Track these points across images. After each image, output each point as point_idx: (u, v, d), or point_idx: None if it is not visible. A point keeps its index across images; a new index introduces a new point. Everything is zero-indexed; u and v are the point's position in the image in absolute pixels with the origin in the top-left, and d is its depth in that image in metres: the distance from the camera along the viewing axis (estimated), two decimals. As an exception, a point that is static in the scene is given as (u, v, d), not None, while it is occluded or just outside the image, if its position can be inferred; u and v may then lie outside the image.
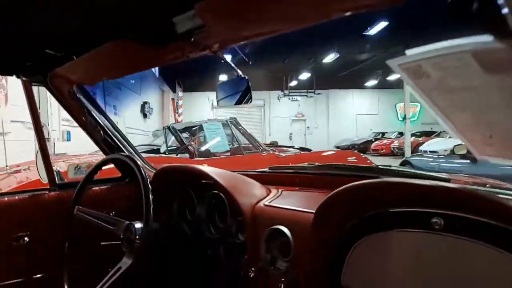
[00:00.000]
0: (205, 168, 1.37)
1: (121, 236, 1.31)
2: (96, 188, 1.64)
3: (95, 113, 1.54)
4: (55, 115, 6.49)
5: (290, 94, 20.58)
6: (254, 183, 1.42)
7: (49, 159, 1.53)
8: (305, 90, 20.07)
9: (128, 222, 1.29)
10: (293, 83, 19.89)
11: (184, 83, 18.51)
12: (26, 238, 1.45)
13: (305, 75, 18.59)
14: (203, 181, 1.52)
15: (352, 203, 0.95)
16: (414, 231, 0.87)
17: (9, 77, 3.25)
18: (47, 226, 1.50)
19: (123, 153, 1.56)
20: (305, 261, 1.08)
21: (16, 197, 1.46)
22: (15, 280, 1.43)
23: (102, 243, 1.50)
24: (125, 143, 1.68)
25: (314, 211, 1.05)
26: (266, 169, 1.66)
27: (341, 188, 0.93)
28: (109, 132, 1.59)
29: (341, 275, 1.00)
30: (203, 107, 20.95)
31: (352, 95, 22.89)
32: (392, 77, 19.66)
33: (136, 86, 10.76)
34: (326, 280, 1.04)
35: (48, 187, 1.53)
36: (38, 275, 1.48)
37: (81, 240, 1.54)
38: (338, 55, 14.38)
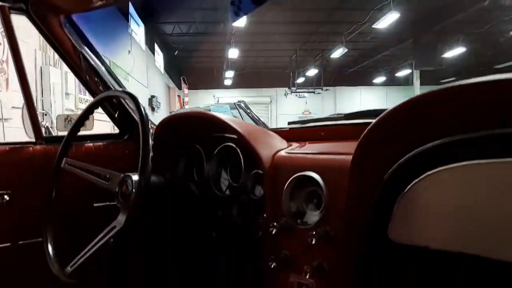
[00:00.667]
0: (218, 114, 1.15)
1: (116, 191, 1.09)
2: (90, 144, 1.42)
3: (85, 51, 1.33)
4: (59, 103, 6.32)
5: (297, 90, 20.29)
6: (273, 134, 1.20)
7: (35, 111, 1.32)
8: (313, 87, 19.77)
9: (124, 174, 1.08)
10: (300, 79, 19.62)
11: (189, 81, 18.37)
12: (6, 197, 1.24)
13: (312, 72, 18.33)
14: (214, 134, 1.30)
15: (414, 123, 0.73)
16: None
17: (10, 63, 3.04)
18: (31, 184, 1.28)
19: (120, 90, 1.33)
20: (340, 211, 0.86)
21: (-5, 149, 1.25)
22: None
23: (95, 204, 1.29)
24: (119, 87, 1.48)
25: (351, 153, 0.84)
26: (285, 126, 1.44)
27: (402, 102, 0.71)
28: (102, 74, 1.38)
29: (389, 226, 0.78)
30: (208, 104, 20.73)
31: (359, 91, 22.55)
32: (401, 74, 19.35)
33: (143, 79, 10.58)
34: (369, 233, 0.82)
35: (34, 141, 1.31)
36: (21, 241, 1.27)
37: (71, 200, 1.33)
38: (346, 50, 14.09)
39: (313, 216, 0.94)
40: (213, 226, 1.25)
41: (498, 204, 0.64)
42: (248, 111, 4.32)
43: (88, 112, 1.19)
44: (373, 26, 11.76)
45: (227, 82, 19.49)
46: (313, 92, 19.99)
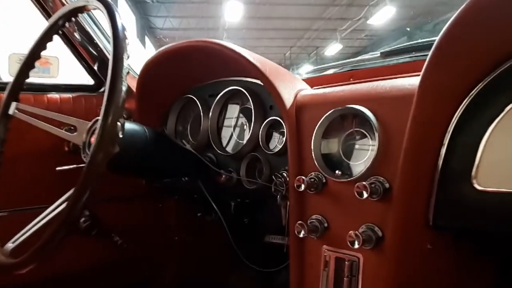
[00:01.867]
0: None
1: (84, 143, 0.81)
2: (55, 95, 1.12)
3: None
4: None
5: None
6: (294, 75, 0.93)
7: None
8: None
9: (95, 119, 0.79)
10: (294, 78, 19.42)
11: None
12: None
13: (306, 69, 18.14)
14: (212, 80, 1.03)
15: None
16: None
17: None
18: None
19: None
20: (398, 155, 0.60)
21: None
22: None
23: (58, 168, 1.00)
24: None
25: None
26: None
27: None
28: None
29: (473, 169, 0.52)
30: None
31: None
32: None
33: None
34: (445, 181, 0.56)
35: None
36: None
37: (27, 163, 1.05)
38: (341, 46, 13.89)
39: (357, 165, 0.67)
40: (217, 194, 0.98)
41: None
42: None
43: (42, 41, 0.89)
44: (368, 22, 11.59)
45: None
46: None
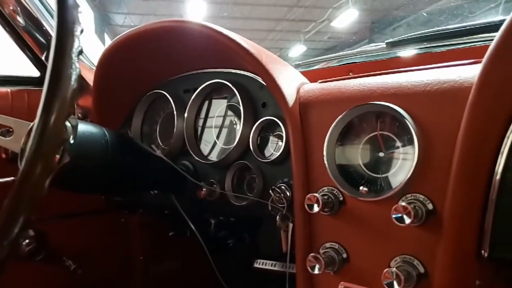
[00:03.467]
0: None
1: (22, 149, 0.62)
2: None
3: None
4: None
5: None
6: (290, 67, 0.76)
7: None
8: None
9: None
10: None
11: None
12: None
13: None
14: (186, 72, 0.86)
15: None
16: None
17: None
18: None
19: None
20: (446, 167, 0.45)
21: None
22: None
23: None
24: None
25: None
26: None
27: None
28: None
29: None
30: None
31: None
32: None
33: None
34: (501, 203, 0.43)
35: None
36: None
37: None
38: (305, 48, 13.93)
39: (389, 179, 0.52)
40: (194, 210, 0.80)
41: None
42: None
43: None
44: (331, 25, 11.70)
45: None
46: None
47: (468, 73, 0.48)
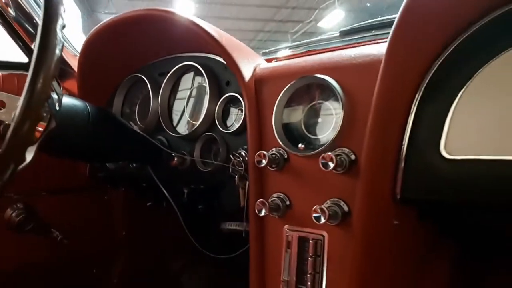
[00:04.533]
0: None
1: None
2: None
3: None
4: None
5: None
6: (250, 49, 0.87)
7: None
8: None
9: None
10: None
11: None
12: None
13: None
14: (162, 57, 0.96)
15: None
16: None
17: None
18: None
19: None
20: (364, 126, 0.56)
21: None
22: None
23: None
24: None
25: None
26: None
27: None
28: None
29: (441, 136, 0.50)
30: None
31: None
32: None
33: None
34: (414, 149, 0.53)
35: None
36: None
37: None
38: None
39: (321, 138, 0.63)
40: (169, 180, 0.90)
41: None
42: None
43: None
44: (318, 25, 11.83)
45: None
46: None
47: (384, 48, 0.59)
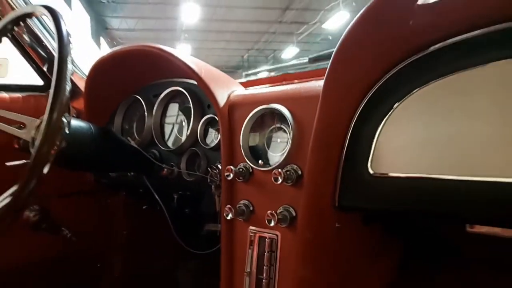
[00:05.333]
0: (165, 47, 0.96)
1: (32, 139, 0.88)
2: (3, 95, 1.17)
3: None
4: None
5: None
6: (229, 77, 1.03)
7: None
8: (264, 88, 19.77)
9: (42, 117, 0.85)
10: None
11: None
12: None
13: (265, 73, 18.33)
14: (156, 81, 1.12)
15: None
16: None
17: None
18: None
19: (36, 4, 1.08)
20: (308, 147, 0.71)
21: None
22: None
23: (8, 163, 1.05)
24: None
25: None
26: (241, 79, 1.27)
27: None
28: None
29: (369, 157, 0.64)
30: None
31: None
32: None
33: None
34: (347, 166, 0.68)
35: None
36: None
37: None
38: (298, 50, 14.22)
39: (276, 156, 0.78)
40: (160, 188, 1.06)
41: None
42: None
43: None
44: (322, 27, 11.95)
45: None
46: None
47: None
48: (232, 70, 18.57)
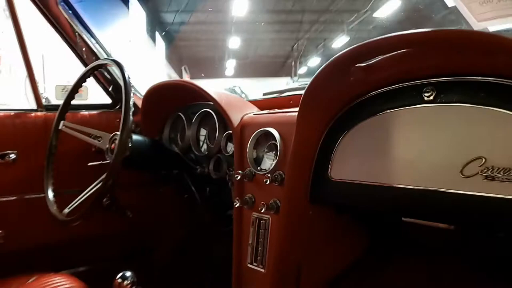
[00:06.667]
0: (197, 82, 1.33)
1: (106, 148, 1.28)
2: (85, 112, 1.60)
3: (80, 28, 1.52)
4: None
5: (300, 80, 20.33)
6: (246, 101, 1.37)
7: (35, 82, 1.50)
8: (315, 77, 19.71)
9: (114, 133, 1.26)
10: (303, 69, 19.65)
11: (191, 71, 18.38)
12: (13, 156, 1.42)
13: (315, 61, 18.35)
14: (194, 102, 1.48)
15: (342, 77, 0.90)
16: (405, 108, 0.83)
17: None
18: (34, 146, 1.47)
19: (109, 57, 1.51)
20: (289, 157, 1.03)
21: (1, 114, 1.43)
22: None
23: (90, 163, 1.47)
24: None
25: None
26: (259, 96, 1.61)
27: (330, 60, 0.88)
28: (95, 50, 1.56)
29: (329, 167, 0.96)
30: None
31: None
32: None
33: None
34: (314, 173, 1.00)
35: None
36: (26, 195, 1.47)
37: (69, 161, 1.51)
38: (349, 38, 14.12)
39: (269, 164, 1.12)
40: (194, 182, 1.44)
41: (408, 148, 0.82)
42: (243, 95, 4.46)
43: (80, 81, 1.36)
44: (374, 16, 11.79)
45: (229, 71, 19.52)
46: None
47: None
48: (282, 60, 18.70)
